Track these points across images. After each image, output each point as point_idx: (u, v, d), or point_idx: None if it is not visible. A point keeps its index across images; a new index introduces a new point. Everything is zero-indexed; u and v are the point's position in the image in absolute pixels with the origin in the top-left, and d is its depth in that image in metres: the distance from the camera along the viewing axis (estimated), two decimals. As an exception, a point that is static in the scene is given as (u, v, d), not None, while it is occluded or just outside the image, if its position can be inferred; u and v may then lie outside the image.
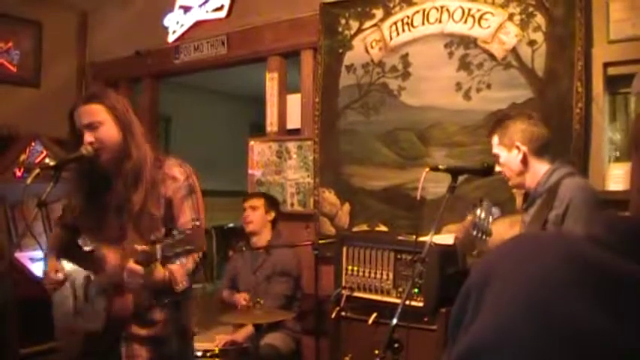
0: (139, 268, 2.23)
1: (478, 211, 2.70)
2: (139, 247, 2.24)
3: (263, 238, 4.16)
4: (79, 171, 2.48)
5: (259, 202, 4.19)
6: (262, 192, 4.50)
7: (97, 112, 2.40)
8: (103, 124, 2.39)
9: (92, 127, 2.38)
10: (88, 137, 2.36)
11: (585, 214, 2.50)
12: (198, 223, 2.43)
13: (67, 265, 2.63)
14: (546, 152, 2.76)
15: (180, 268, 2.41)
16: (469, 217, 2.96)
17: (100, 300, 2.43)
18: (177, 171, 2.49)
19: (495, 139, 2.79)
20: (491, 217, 2.73)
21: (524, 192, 2.88)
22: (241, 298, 4.03)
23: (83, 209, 2.51)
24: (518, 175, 2.76)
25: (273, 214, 4.23)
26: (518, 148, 2.72)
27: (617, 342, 0.62)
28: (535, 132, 2.74)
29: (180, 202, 2.46)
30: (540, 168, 2.71)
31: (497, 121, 2.89)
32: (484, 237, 2.71)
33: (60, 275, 2.54)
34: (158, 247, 2.22)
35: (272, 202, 4.29)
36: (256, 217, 4.16)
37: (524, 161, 2.72)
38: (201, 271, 2.58)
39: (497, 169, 2.82)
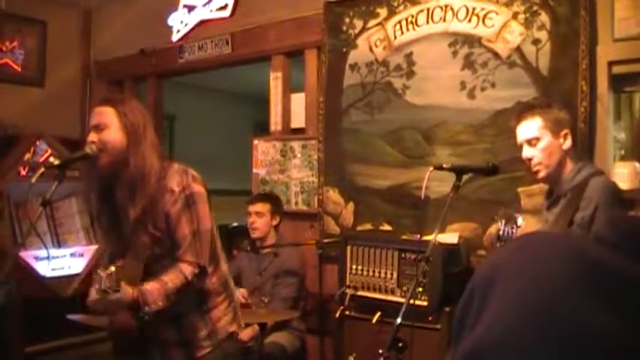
0: (93, 293, 2.22)
1: (501, 223, 2.57)
2: (102, 273, 2.17)
3: (268, 242, 4.17)
4: (89, 174, 2.47)
5: (265, 208, 4.16)
6: (267, 194, 4.47)
7: (106, 114, 2.39)
8: (108, 127, 2.38)
9: (98, 128, 2.38)
10: (91, 137, 2.37)
11: None
12: (191, 236, 2.40)
13: None
14: (576, 147, 2.66)
15: (159, 287, 2.30)
16: (492, 229, 2.87)
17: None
18: (175, 183, 2.41)
19: (538, 121, 2.60)
20: (515, 227, 2.59)
21: (548, 189, 2.77)
22: (239, 295, 4.03)
23: (100, 213, 2.52)
24: (557, 165, 2.59)
25: (278, 219, 4.22)
26: (565, 136, 2.59)
27: (621, 342, 0.62)
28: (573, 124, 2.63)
29: (177, 216, 2.39)
30: (570, 163, 2.60)
31: (536, 104, 2.73)
32: None
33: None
34: (104, 275, 2.14)
35: (277, 206, 4.26)
36: (262, 223, 4.14)
37: (568, 152, 2.59)
38: (202, 282, 2.50)
39: (529, 153, 2.62)
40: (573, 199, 2.49)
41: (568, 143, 2.60)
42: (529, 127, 2.62)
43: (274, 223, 4.19)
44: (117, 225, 2.45)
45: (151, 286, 2.29)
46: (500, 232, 2.56)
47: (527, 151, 2.63)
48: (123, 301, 2.22)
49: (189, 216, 2.40)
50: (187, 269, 2.36)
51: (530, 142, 2.61)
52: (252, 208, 4.17)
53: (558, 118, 2.62)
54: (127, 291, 2.22)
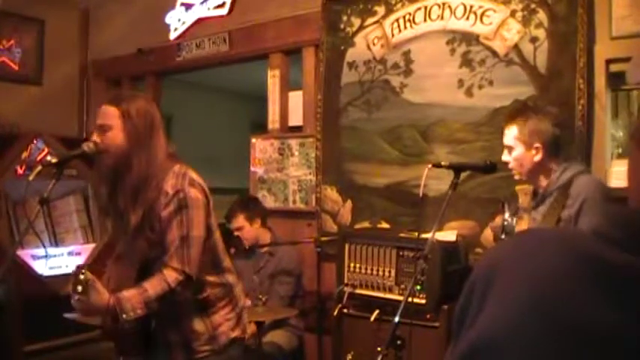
0: (76, 294, 2.12)
1: (506, 214, 2.69)
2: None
3: (262, 242, 4.15)
4: (99, 170, 2.45)
5: (239, 221, 4.12)
6: (238, 202, 4.32)
7: (109, 115, 2.34)
8: (111, 128, 2.33)
9: (102, 129, 2.35)
10: (94, 137, 2.36)
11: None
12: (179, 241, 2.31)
13: None
14: (560, 150, 2.74)
15: (137, 294, 2.21)
16: (498, 220, 2.94)
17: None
18: (170, 185, 2.33)
19: (514, 130, 2.71)
20: (515, 217, 2.75)
21: (533, 189, 2.84)
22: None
23: (108, 209, 2.50)
24: (528, 172, 2.72)
25: (258, 221, 4.16)
26: (537, 149, 2.68)
27: (620, 334, 0.63)
28: (554, 133, 2.70)
29: (168, 219, 2.31)
30: (553, 166, 2.69)
31: (519, 111, 2.82)
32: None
33: None
34: (82, 277, 2.08)
35: (251, 209, 4.18)
36: (245, 234, 4.11)
37: (541, 162, 2.69)
38: (187, 290, 2.35)
39: (506, 158, 2.77)
40: (559, 198, 2.60)
41: (539, 157, 2.69)
42: (507, 135, 2.76)
43: (256, 226, 4.15)
44: (121, 224, 2.42)
45: (129, 293, 2.20)
46: (506, 223, 2.64)
47: (504, 156, 2.80)
48: (96, 306, 2.16)
49: (179, 220, 2.31)
50: (171, 276, 2.26)
51: (507, 148, 2.77)
52: (232, 226, 4.13)
53: (534, 130, 2.68)
54: (102, 297, 2.15)
